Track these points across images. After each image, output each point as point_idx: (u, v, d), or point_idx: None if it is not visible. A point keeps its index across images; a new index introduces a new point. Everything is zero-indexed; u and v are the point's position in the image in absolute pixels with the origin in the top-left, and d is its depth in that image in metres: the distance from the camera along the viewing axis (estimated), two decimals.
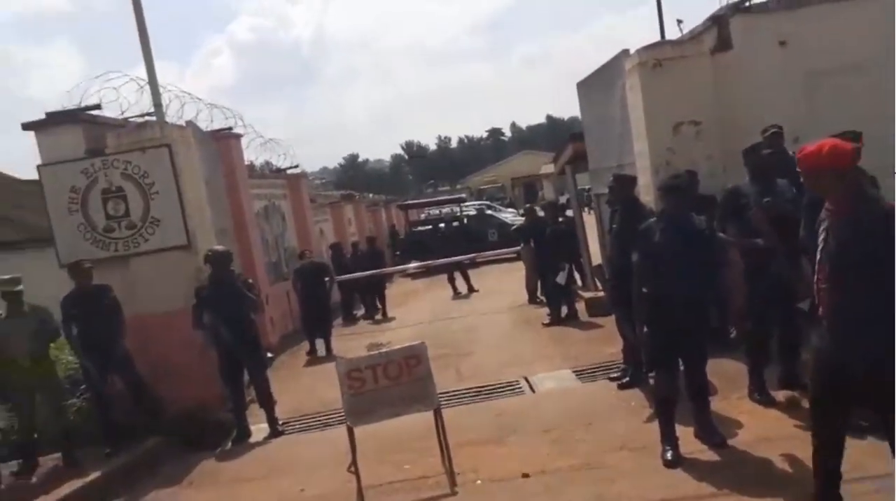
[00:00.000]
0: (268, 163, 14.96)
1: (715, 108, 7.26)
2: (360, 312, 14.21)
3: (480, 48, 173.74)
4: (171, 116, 8.67)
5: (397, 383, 4.89)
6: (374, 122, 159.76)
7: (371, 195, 28.56)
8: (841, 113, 6.43)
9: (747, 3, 7.50)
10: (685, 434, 4.73)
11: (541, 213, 11.68)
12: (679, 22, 8.58)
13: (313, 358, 10.24)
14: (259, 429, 6.93)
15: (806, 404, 4.97)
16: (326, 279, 10.76)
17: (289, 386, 8.41)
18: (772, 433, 4.74)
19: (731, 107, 7.21)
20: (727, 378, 5.59)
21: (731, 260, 5.35)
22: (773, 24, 7.35)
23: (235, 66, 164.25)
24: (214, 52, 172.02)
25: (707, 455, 4.59)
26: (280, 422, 6.97)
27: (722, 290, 5.07)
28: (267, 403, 6.94)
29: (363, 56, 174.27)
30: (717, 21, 7.50)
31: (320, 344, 10.48)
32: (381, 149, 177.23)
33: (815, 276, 3.16)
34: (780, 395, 5.26)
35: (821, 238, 3.11)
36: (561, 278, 9.70)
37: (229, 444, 6.75)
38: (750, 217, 5.20)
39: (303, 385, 8.72)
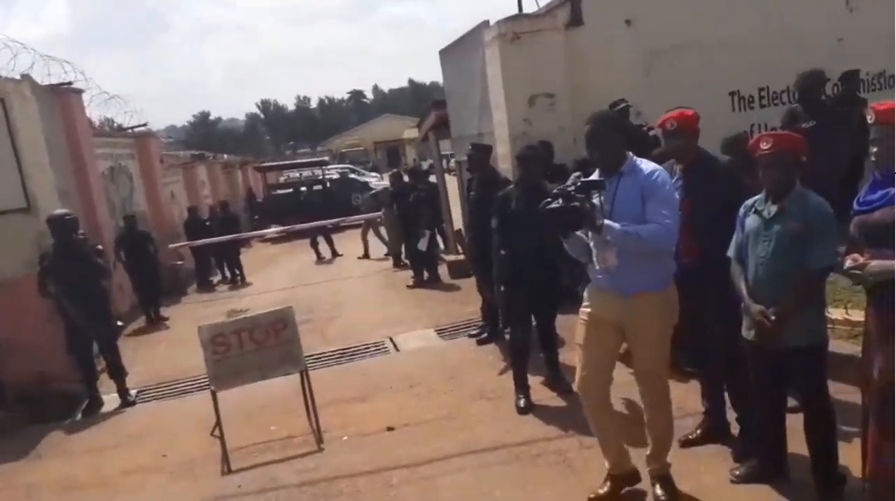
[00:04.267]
0: (108, 120, 13.97)
1: (567, 82, 7.66)
2: (217, 278, 13.81)
3: (339, 7, 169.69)
4: (2, 68, 7.91)
5: (263, 347, 4.91)
6: (228, 80, 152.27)
7: (225, 156, 27.24)
8: (674, 89, 7.11)
9: None
10: (536, 383, 5.16)
11: (406, 178, 11.84)
12: None
13: (147, 327, 10.04)
14: (112, 399, 6.65)
15: None
16: (151, 248, 10.38)
17: (143, 354, 8.09)
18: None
19: (581, 81, 7.63)
20: (573, 331, 6.06)
21: None
22: (620, 4, 7.87)
23: (71, 13, 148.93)
24: None
25: (555, 400, 5.03)
26: (133, 392, 6.74)
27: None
28: (117, 373, 6.68)
29: (216, 9, 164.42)
30: None
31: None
32: (234, 107, 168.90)
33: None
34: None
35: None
36: (422, 244, 9.89)
37: (79, 415, 6.43)
38: None
39: (158, 353, 8.41)
